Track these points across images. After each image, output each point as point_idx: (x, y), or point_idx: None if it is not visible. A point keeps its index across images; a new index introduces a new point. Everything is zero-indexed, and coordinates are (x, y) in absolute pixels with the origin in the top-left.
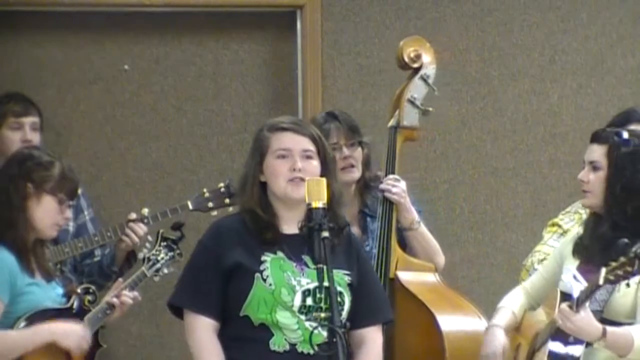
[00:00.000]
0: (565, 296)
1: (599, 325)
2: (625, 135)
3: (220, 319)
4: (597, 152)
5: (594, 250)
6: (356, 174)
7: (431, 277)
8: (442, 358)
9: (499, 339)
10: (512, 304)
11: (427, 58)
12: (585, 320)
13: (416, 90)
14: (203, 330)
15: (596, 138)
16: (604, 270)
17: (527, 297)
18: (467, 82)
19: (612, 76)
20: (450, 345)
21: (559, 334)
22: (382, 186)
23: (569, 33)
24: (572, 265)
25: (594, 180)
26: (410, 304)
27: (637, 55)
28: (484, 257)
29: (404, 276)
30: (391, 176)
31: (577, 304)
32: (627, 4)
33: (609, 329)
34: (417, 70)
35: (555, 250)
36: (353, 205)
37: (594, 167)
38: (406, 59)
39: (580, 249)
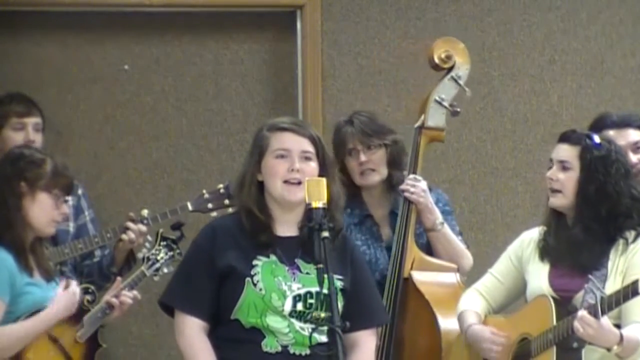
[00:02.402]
0: (557, 302)
1: (617, 331)
2: (597, 139)
3: (210, 320)
4: (569, 153)
5: (563, 252)
6: (375, 177)
7: (450, 278)
8: (438, 357)
9: (484, 332)
10: (473, 306)
11: (459, 59)
12: (606, 326)
13: (444, 90)
14: (193, 331)
15: (566, 138)
16: None
17: (485, 301)
18: (467, 82)
19: (612, 76)
20: (447, 346)
21: (563, 340)
22: (402, 186)
23: (569, 33)
24: (539, 269)
25: (565, 180)
26: (418, 303)
27: (637, 55)
28: (484, 257)
29: (418, 276)
30: (411, 176)
31: (602, 310)
32: (627, 4)
33: (624, 333)
34: (449, 70)
35: (508, 254)
36: (382, 206)
37: (564, 167)
38: (437, 60)
39: (549, 251)
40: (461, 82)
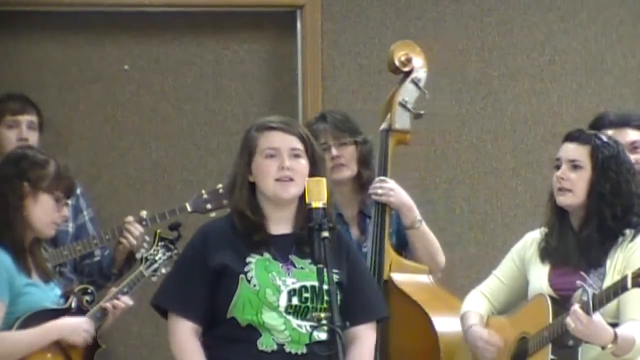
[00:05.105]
0: (555, 300)
1: (611, 330)
2: (605, 138)
3: (202, 323)
4: (579, 152)
5: (568, 252)
6: (346, 172)
7: (424, 279)
8: (437, 359)
9: (482, 332)
10: (476, 307)
11: (418, 62)
12: (599, 324)
13: (407, 93)
14: (184, 333)
15: (575, 138)
16: (630, 274)
17: (488, 303)
18: (467, 82)
19: (612, 76)
20: (445, 347)
21: (559, 338)
22: (370, 190)
23: (569, 33)
24: (540, 269)
25: (576, 179)
26: (405, 305)
27: (637, 55)
28: (484, 257)
29: (398, 278)
30: (377, 178)
31: (593, 307)
32: (627, 4)
33: (619, 331)
34: (408, 74)
35: (511, 255)
36: (351, 205)
37: (575, 166)
38: (397, 63)
39: (551, 252)
40: (421, 84)
